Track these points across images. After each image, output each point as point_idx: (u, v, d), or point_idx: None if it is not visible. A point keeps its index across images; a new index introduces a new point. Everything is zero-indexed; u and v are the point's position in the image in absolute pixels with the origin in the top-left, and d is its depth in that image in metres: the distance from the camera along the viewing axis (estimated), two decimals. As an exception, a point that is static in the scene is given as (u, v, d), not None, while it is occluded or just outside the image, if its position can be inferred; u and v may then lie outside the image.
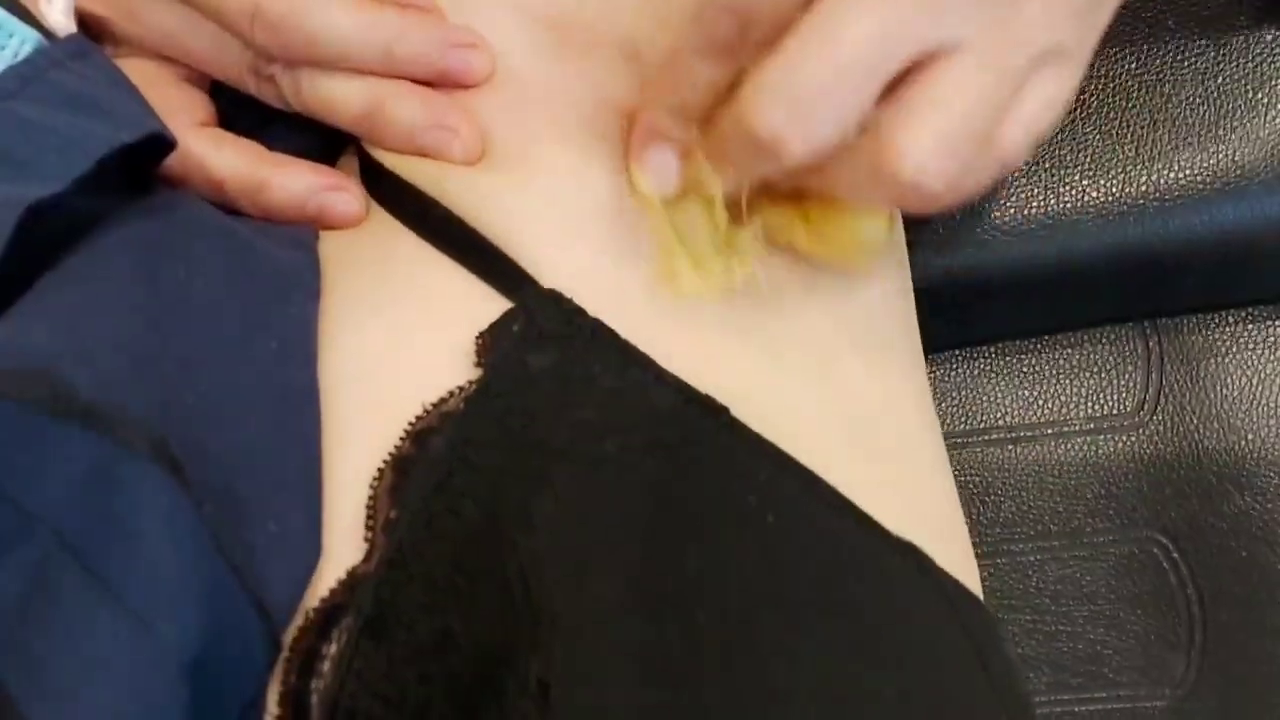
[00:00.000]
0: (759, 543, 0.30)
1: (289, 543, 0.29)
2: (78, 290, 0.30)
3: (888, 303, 0.39)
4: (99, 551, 0.26)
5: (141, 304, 0.30)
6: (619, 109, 0.37)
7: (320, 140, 0.40)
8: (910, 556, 0.33)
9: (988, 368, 0.48)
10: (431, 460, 0.31)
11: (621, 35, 0.38)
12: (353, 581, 0.30)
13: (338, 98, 0.37)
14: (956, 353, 0.47)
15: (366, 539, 0.31)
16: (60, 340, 0.28)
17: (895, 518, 0.33)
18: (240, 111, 0.40)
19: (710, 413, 0.32)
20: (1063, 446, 0.47)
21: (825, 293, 0.37)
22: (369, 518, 0.31)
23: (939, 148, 0.30)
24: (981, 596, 0.36)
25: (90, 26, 0.39)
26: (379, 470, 0.31)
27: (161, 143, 0.34)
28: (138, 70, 0.37)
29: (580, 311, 0.33)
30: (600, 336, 0.33)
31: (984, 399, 0.47)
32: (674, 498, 0.31)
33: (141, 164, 0.36)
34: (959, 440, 0.47)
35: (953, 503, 0.38)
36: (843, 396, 0.36)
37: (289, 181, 0.37)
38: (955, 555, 0.35)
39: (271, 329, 0.33)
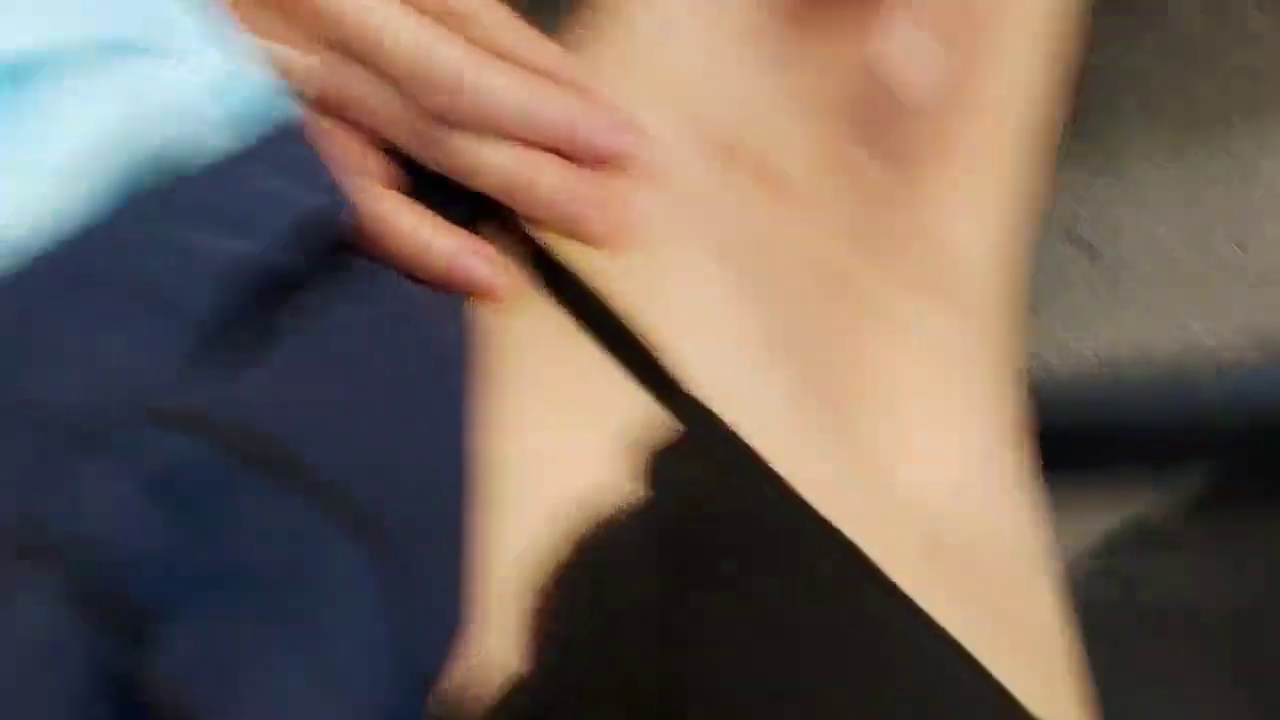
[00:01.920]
0: (909, 709, 0.31)
1: (452, 630, 0.30)
2: (289, 355, 0.30)
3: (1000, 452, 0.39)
4: (293, 611, 0.26)
5: (348, 375, 0.31)
6: (780, 238, 0.37)
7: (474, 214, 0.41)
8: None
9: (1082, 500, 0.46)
10: (585, 566, 0.31)
11: (786, 168, 0.38)
12: (508, 689, 0.30)
13: (488, 161, 0.38)
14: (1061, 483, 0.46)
15: (516, 640, 0.30)
16: (276, 402, 0.29)
17: (1026, 689, 0.33)
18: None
19: (862, 566, 0.32)
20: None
21: (942, 446, 0.37)
22: (516, 618, 0.31)
23: None
24: None
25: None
26: (528, 568, 0.31)
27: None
28: (324, 128, 0.38)
29: (737, 436, 0.33)
30: (756, 465, 0.33)
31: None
32: (823, 649, 0.31)
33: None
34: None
35: (1077, 675, 0.37)
36: (968, 567, 0.36)
37: (444, 244, 0.38)
38: None
39: (456, 409, 0.33)
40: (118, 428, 0.27)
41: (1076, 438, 0.44)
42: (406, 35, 0.38)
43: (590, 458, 0.33)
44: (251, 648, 0.26)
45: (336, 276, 0.34)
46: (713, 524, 0.32)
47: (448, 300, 0.37)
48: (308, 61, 0.38)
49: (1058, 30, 0.39)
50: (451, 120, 0.38)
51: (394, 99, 0.38)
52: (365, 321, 0.33)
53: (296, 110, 0.36)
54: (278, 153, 0.34)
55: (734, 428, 0.33)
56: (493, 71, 0.38)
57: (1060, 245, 0.44)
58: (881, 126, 0.36)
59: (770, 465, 0.33)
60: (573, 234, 0.37)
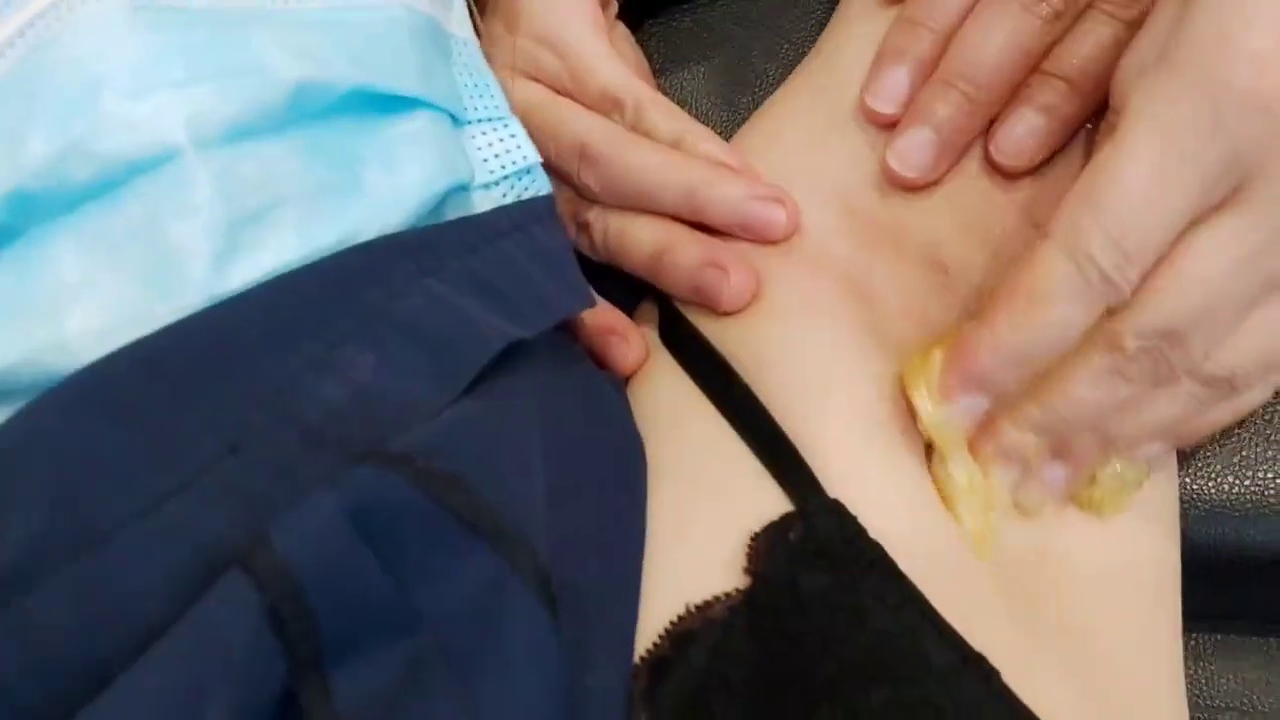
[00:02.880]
0: None
1: (607, 703, 0.30)
2: (490, 412, 0.31)
3: (1159, 580, 0.37)
4: (470, 659, 0.27)
5: (540, 439, 0.32)
6: (921, 317, 0.37)
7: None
8: None
9: (1239, 646, 0.45)
10: (691, 669, 0.30)
11: (930, 241, 0.38)
12: None
13: (635, 237, 0.39)
14: (1208, 623, 0.45)
15: None
16: (473, 453, 0.29)
17: None
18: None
19: (984, 676, 0.30)
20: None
21: (1093, 564, 0.36)
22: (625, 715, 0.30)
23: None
24: None
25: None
26: (636, 666, 0.31)
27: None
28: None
29: (863, 532, 0.32)
30: (881, 565, 0.32)
31: (1228, 680, 0.45)
32: None
33: None
34: (1206, 710, 0.44)
35: None
36: (1102, 679, 0.34)
37: (587, 314, 0.39)
38: None
39: (624, 488, 0.34)
40: (355, 446, 0.27)
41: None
42: (569, 122, 0.39)
43: (711, 556, 0.32)
44: (425, 698, 0.26)
45: (543, 347, 0.35)
46: (834, 635, 0.31)
47: (615, 385, 0.38)
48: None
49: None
50: (609, 197, 0.39)
51: (557, 186, 0.39)
52: (558, 389, 0.34)
53: (547, 188, 0.38)
54: (530, 235, 0.35)
55: (865, 530, 0.32)
56: (644, 150, 0.39)
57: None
58: None
59: (899, 569, 0.32)
60: (709, 303, 0.37)
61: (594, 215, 0.40)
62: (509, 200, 0.36)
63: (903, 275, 0.38)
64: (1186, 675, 0.44)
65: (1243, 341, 0.33)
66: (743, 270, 0.37)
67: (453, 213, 0.35)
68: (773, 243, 0.38)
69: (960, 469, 0.35)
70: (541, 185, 0.37)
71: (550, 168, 0.39)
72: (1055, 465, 0.35)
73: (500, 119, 0.37)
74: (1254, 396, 0.35)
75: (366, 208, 0.32)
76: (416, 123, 0.34)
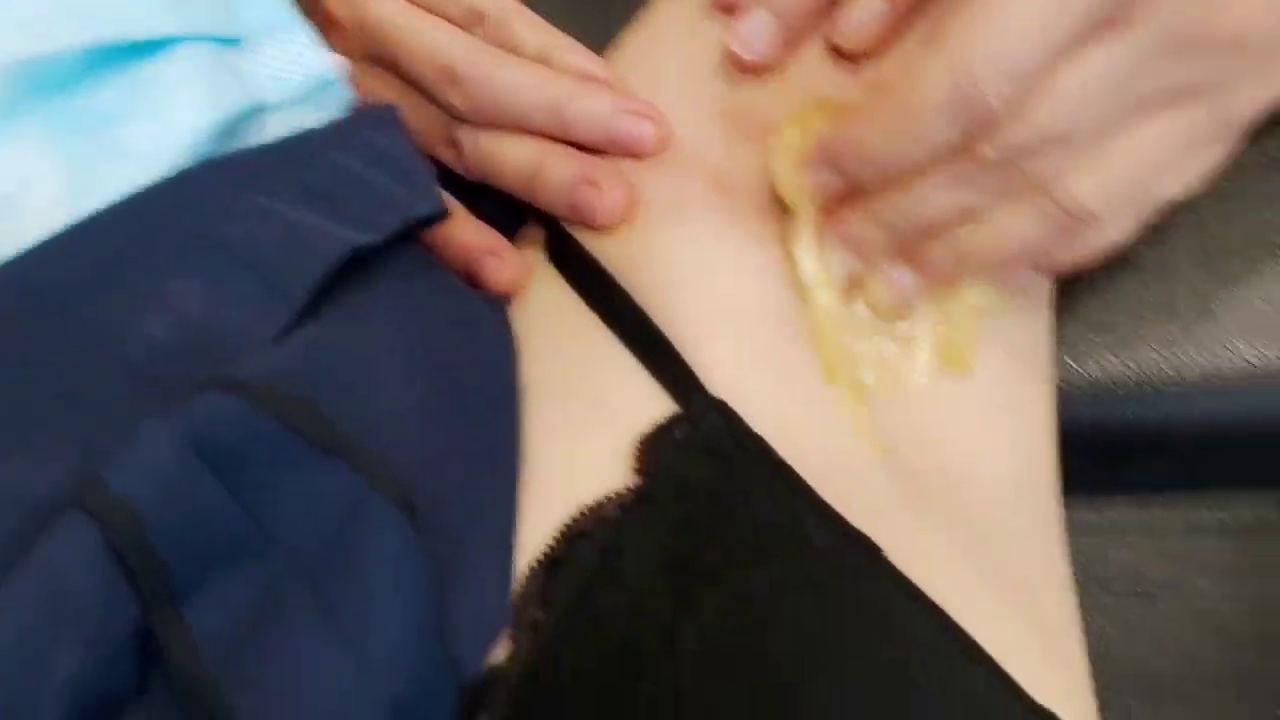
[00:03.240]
0: (904, 698, 0.30)
1: (484, 616, 0.30)
2: (346, 332, 0.31)
3: (1032, 445, 0.38)
4: (330, 580, 0.27)
5: (396, 354, 0.32)
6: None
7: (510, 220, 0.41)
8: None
9: (1120, 517, 0.47)
10: (581, 566, 0.31)
11: None
12: (492, 678, 0.30)
13: (505, 156, 0.39)
14: (1088, 498, 0.47)
15: (511, 636, 0.31)
16: (322, 371, 0.29)
17: (1034, 679, 0.32)
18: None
19: (866, 553, 0.32)
20: (1188, 609, 0.46)
21: (969, 433, 0.37)
22: (516, 614, 0.31)
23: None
24: None
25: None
26: (531, 568, 0.32)
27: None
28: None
29: (745, 427, 0.33)
30: (763, 457, 0.33)
31: (1112, 548, 0.47)
32: (821, 641, 0.30)
33: None
34: (1081, 586, 0.46)
35: (1085, 661, 0.37)
36: (982, 542, 0.35)
37: (461, 232, 0.39)
38: (1086, 715, 0.35)
39: (494, 400, 0.34)
40: (186, 381, 0.27)
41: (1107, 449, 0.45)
42: (429, 40, 0.39)
43: (601, 460, 0.33)
44: (284, 623, 0.26)
45: (394, 254, 0.34)
46: (719, 525, 0.31)
47: (484, 292, 0.38)
48: (370, 77, 0.39)
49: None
50: (478, 117, 0.39)
51: (421, 104, 0.40)
52: (416, 304, 0.34)
53: (348, 98, 0.37)
54: (367, 143, 0.35)
55: (749, 424, 0.33)
56: (510, 67, 0.38)
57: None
58: None
59: (783, 460, 0.32)
60: (585, 220, 0.38)
61: (464, 134, 0.40)
62: (311, 124, 0.35)
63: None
64: (1076, 550, 0.45)
65: (1103, 166, 0.33)
66: (616, 186, 0.37)
67: (248, 142, 0.34)
68: (641, 157, 0.38)
69: (807, 255, 0.36)
70: (344, 98, 0.37)
71: (415, 85, 0.39)
72: (904, 270, 0.36)
73: (284, 29, 0.36)
74: (1114, 231, 0.35)
75: (133, 167, 0.31)
76: (174, 62, 0.33)
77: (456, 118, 0.40)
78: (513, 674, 0.30)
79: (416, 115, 0.40)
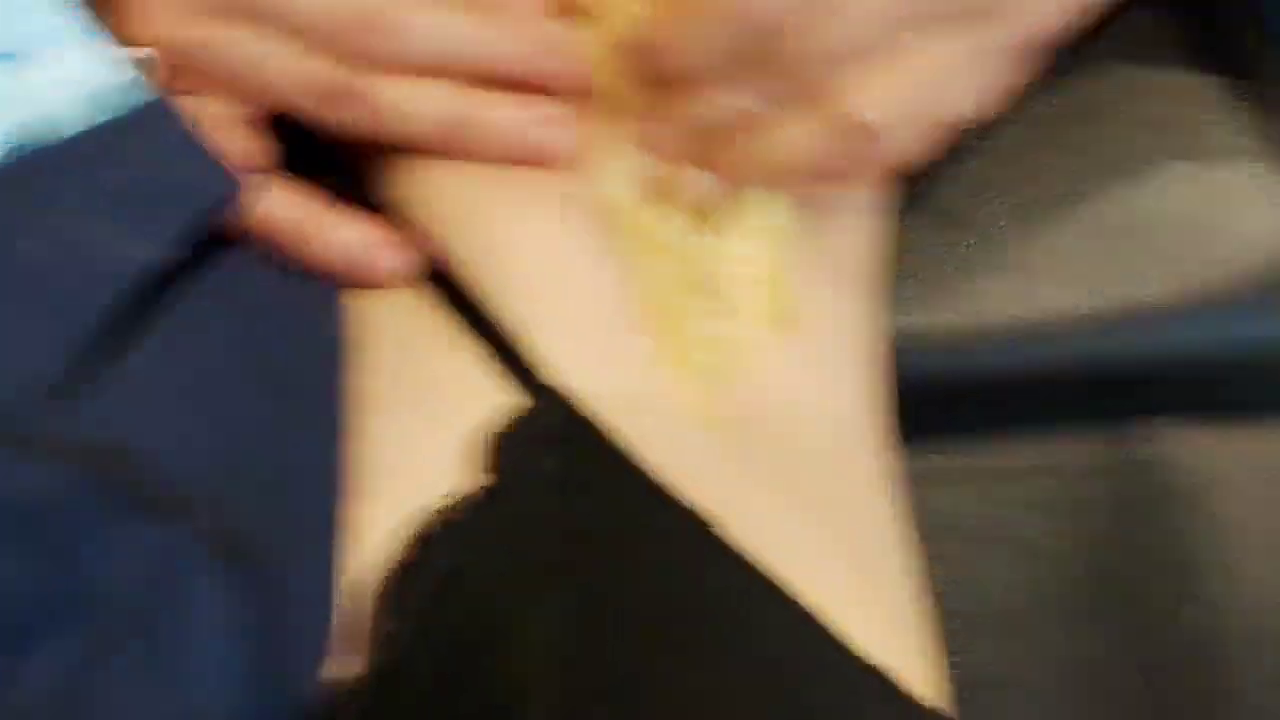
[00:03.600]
0: (746, 667, 0.31)
1: (315, 633, 0.30)
2: (153, 359, 0.30)
3: (863, 401, 0.39)
4: (153, 634, 0.26)
5: (209, 376, 0.31)
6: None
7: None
8: (881, 681, 0.33)
9: (955, 466, 0.48)
10: (432, 569, 0.31)
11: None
12: (347, 695, 0.30)
13: (424, 104, 0.36)
14: (924, 449, 0.48)
15: (363, 646, 0.30)
16: (134, 410, 0.29)
17: (871, 636, 0.33)
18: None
19: (704, 530, 0.32)
20: (1025, 549, 0.47)
21: (802, 396, 0.38)
22: (368, 624, 0.30)
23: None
24: (948, 702, 0.37)
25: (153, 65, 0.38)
26: (380, 575, 0.31)
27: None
28: (202, 110, 0.36)
29: (587, 416, 0.33)
30: (606, 444, 0.33)
31: (951, 496, 0.48)
32: (666, 620, 0.31)
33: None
34: (925, 535, 0.47)
35: (923, 613, 0.38)
36: (821, 505, 0.36)
37: (343, 233, 0.37)
38: (927, 671, 0.36)
39: (318, 409, 0.33)
40: None
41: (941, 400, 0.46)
42: None
43: (448, 461, 0.33)
44: (105, 678, 0.26)
45: (207, 266, 0.33)
46: (566, 516, 0.32)
47: (319, 291, 0.37)
48: (148, 51, 0.36)
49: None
50: (374, 64, 0.36)
51: (294, 57, 0.36)
52: (232, 322, 0.33)
53: (162, 96, 0.35)
54: (158, 137, 0.33)
55: (589, 412, 0.33)
56: (431, 9, 0.36)
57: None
58: None
59: (625, 446, 0.33)
60: (550, 161, 0.36)
61: (361, 89, 0.37)
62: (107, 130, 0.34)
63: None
64: (910, 500, 0.47)
65: (887, 82, 0.34)
66: (569, 122, 0.37)
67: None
68: (569, 92, 0.37)
69: (617, 158, 0.37)
70: (141, 99, 0.35)
71: (306, 37, 0.37)
72: (705, 175, 0.37)
73: (68, 39, 0.34)
74: (902, 148, 0.36)
75: None
76: None
77: (365, 65, 0.37)
78: (367, 688, 0.30)
79: (296, 75, 0.37)
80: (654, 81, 0.36)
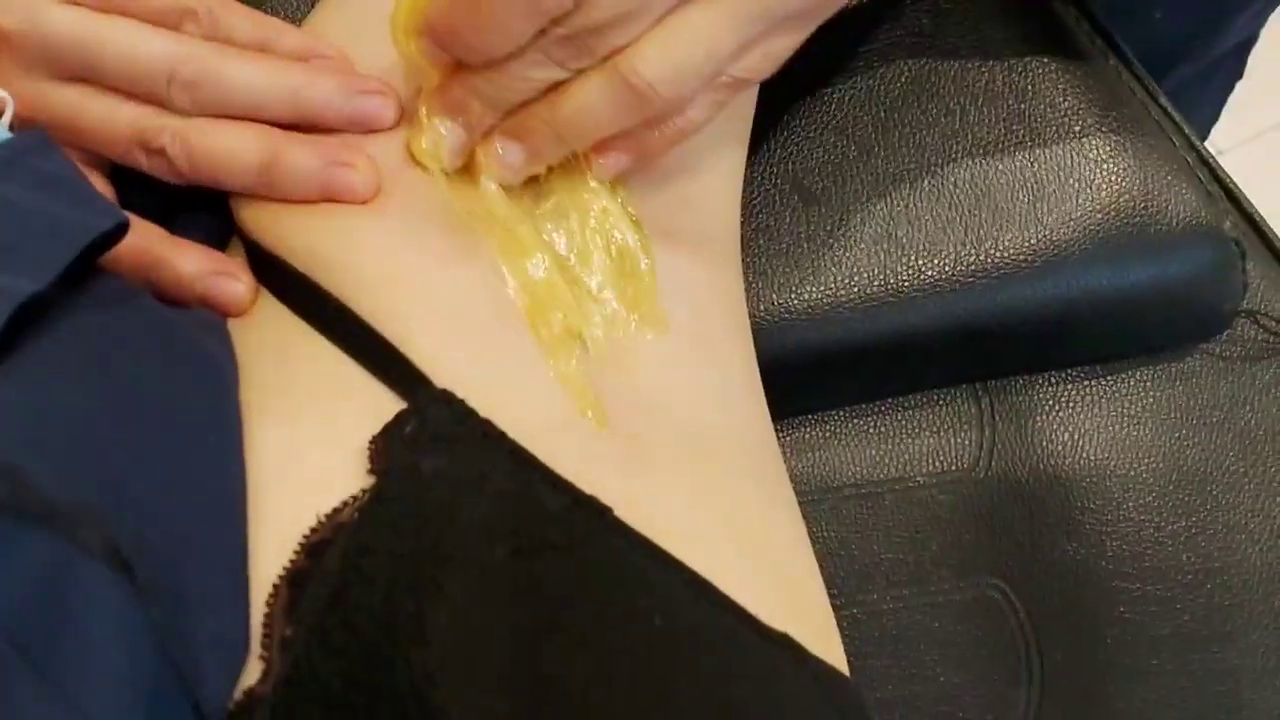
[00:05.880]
0: (646, 645, 0.32)
1: (223, 642, 0.30)
2: (34, 380, 0.30)
3: (736, 384, 0.41)
4: (49, 652, 0.26)
5: (95, 395, 0.31)
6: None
7: (212, 234, 0.41)
8: (786, 648, 0.34)
9: (837, 430, 0.51)
10: (325, 575, 0.31)
11: None
12: (250, 702, 0.30)
13: (234, 151, 0.38)
14: (809, 418, 0.50)
15: (263, 657, 0.31)
16: (18, 431, 0.28)
17: (768, 606, 0.34)
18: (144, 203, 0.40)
19: (596, 514, 0.33)
20: (908, 501, 0.50)
21: (677, 388, 0.39)
22: (265, 635, 0.31)
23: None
24: (845, 657, 0.38)
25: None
26: (274, 586, 0.32)
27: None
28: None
29: (471, 412, 0.34)
30: (491, 437, 0.34)
31: (835, 459, 0.51)
32: (564, 602, 0.32)
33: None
34: (814, 498, 0.50)
35: (816, 578, 0.40)
36: (709, 487, 0.38)
37: (181, 262, 0.38)
38: (822, 632, 0.37)
39: (209, 423, 0.33)
40: None
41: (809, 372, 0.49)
42: (139, 44, 0.37)
43: (335, 468, 0.33)
44: (6, 698, 0.25)
45: (81, 289, 0.33)
46: (456, 509, 0.32)
47: (194, 314, 0.37)
48: (50, 92, 0.37)
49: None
50: (186, 112, 0.38)
51: (117, 109, 0.38)
52: (112, 337, 0.33)
53: (57, 143, 0.35)
54: (29, 169, 0.33)
55: (474, 408, 0.34)
56: (238, 62, 0.37)
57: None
58: None
59: (510, 438, 0.33)
60: (347, 198, 0.37)
61: (168, 138, 0.38)
62: None
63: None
64: (804, 465, 0.49)
65: (668, 45, 0.35)
66: (366, 160, 0.38)
67: None
68: (380, 130, 0.39)
69: (429, 130, 0.38)
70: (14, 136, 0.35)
71: (118, 91, 0.38)
72: (512, 145, 0.38)
73: None
74: (692, 112, 0.38)
75: None
76: None
77: (179, 112, 0.38)
78: (269, 694, 0.30)
79: (107, 125, 0.38)
80: (456, 63, 0.37)
